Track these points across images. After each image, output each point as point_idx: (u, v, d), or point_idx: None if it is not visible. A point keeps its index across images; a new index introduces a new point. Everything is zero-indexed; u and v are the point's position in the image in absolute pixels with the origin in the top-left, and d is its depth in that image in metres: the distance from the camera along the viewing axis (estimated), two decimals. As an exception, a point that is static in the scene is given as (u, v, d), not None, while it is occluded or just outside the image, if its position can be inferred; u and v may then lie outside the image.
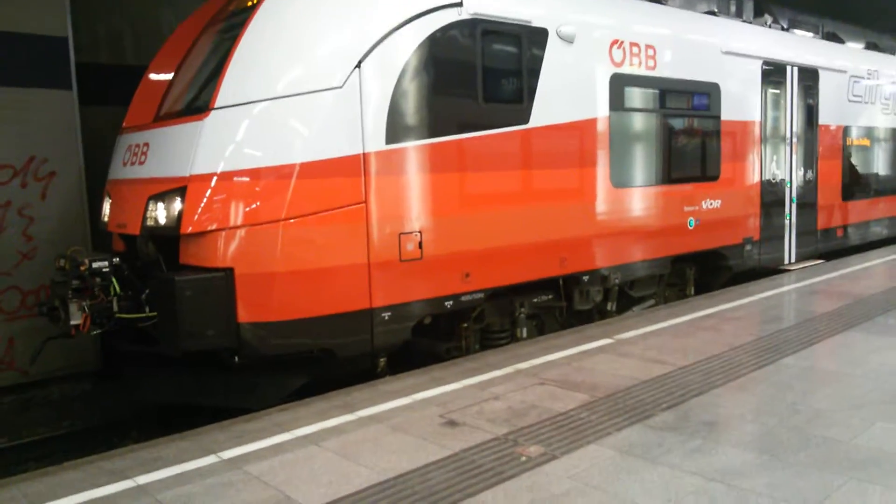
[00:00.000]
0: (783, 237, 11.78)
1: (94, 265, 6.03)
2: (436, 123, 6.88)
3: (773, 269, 11.68)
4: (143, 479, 4.43)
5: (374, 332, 6.58)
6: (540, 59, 7.72)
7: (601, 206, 8.53)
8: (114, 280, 6.14)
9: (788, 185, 11.82)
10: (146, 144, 6.68)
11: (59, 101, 8.68)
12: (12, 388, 8.60)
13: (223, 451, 4.85)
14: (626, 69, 8.67)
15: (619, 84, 8.59)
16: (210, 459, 4.72)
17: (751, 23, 11.70)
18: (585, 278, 8.43)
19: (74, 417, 8.37)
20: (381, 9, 6.60)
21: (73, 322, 6.00)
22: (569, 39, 7.95)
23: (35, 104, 8.50)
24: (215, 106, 6.10)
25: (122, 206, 6.81)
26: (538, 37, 7.71)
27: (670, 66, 9.30)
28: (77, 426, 8.10)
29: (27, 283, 8.52)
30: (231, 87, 6.15)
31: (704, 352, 6.97)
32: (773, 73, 11.19)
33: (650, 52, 8.99)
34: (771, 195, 11.36)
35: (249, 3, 6.80)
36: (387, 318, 6.64)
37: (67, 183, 8.78)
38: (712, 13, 10.84)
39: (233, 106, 6.12)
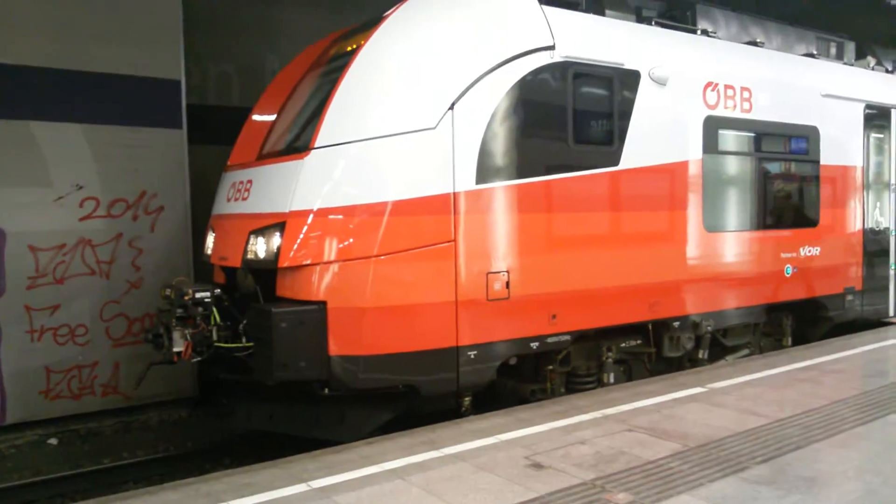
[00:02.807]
0: (888, 288, 11.19)
1: (198, 295, 6.33)
2: (525, 164, 6.94)
3: (876, 322, 11.09)
4: (236, 504, 4.59)
5: (459, 370, 6.61)
6: (631, 102, 7.71)
7: (693, 250, 8.36)
8: (214, 310, 6.42)
9: (893, 234, 11.25)
10: (250, 181, 7.01)
11: (170, 139, 9.26)
12: (115, 412, 9.06)
13: (313, 479, 4.96)
14: (720, 112, 8.54)
15: (712, 127, 8.47)
16: (301, 488, 4.83)
17: (852, 65, 11.34)
18: (676, 324, 8.24)
19: (171, 442, 8.71)
20: (475, 53, 6.76)
21: (175, 349, 6.29)
22: (661, 82, 7.92)
23: (148, 142, 9.10)
24: (315, 146, 6.35)
25: (224, 240, 7.14)
26: (630, 79, 7.71)
27: (767, 109, 9.11)
28: (173, 451, 8.42)
29: (134, 310, 9.01)
30: (330, 128, 6.38)
31: (803, 405, 6.67)
32: (876, 117, 10.78)
33: (745, 94, 8.84)
34: (874, 244, 10.85)
35: (349, 49, 7.10)
36: (473, 357, 6.67)
37: (175, 217, 9.30)
38: (811, 55, 10.57)
39: (331, 146, 6.35)
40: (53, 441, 8.59)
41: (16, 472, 7.82)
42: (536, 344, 7.08)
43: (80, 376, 8.76)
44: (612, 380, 7.89)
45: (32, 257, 8.44)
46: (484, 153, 6.67)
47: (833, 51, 11.46)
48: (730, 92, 8.68)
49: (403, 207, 6.33)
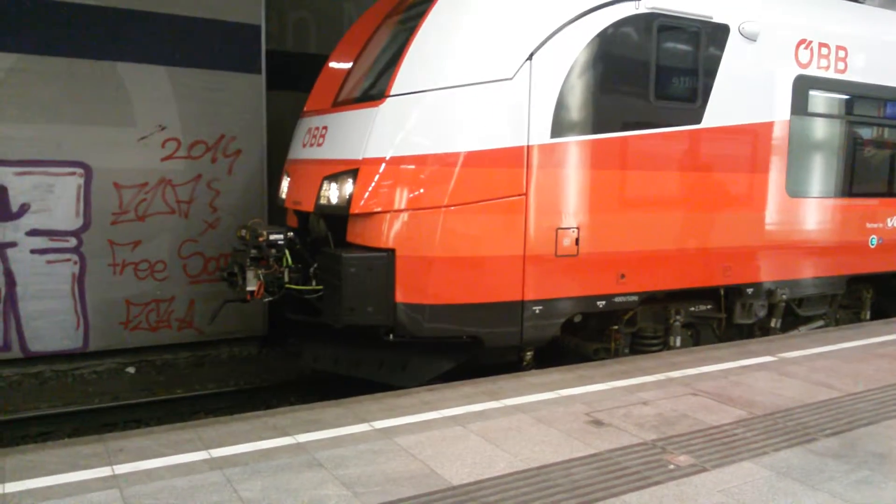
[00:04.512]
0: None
1: (272, 237, 6.49)
2: (603, 119, 6.78)
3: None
4: (302, 438, 4.73)
5: (523, 324, 6.62)
6: (718, 58, 7.40)
7: (773, 215, 8.06)
8: (287, 252, 6.57)
9: None
10: (325, 128, 7.08)
11: (249, 84, 9.39)
12: (189, 346, 9.46)
13: (375, 420, 5.08)
14: (812, 71, 8.12)
15: (803, 87, 8.07)
16: (363, 427, 4.96)
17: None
18: (749, 291, 8.01)
19: (240, 377, 9.06)
20: (557, 2, 6.59)
21: (248, 288, 6.49)
22: (751, 37, 7.56)
23: (228, 86, 9.25)
24: (390, 94, 6.34)
25: (298, 185, 7.26)
26: (718, 33, 7.39)
27: (863, 70, 8.61)
28: (242, 385, 8.75)
29: (210, 250, 9.31)
30: (406, 76, 6.35)
31: (878, 380, 6.43)
32: None
33: (841, 53, 8.37)
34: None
35: (428, -4, 7.00)
36: (537, 312, 6.65)
37: (251, 160, 9.49)
38: (917, 14, 9.90)
39: (406, 94, 6.33)
40: (131, 370, 9.05)
41: (96, 397, 8.29)
42: (603, 303, 7.01)
43: (158, 310, 9.15)
44: (678, 343, 7.77)
45: (116, 194, 8.77)
46: (560, 106, 6.54)
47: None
48: (824, 51, 8.23)
49: (475, 159, 6.29)
